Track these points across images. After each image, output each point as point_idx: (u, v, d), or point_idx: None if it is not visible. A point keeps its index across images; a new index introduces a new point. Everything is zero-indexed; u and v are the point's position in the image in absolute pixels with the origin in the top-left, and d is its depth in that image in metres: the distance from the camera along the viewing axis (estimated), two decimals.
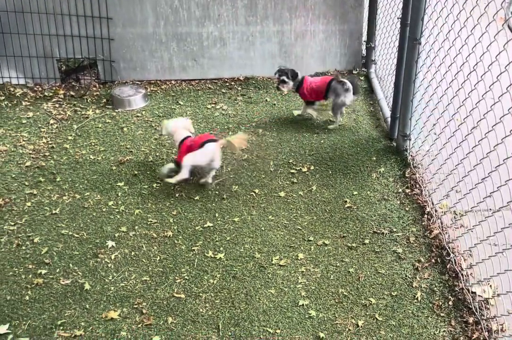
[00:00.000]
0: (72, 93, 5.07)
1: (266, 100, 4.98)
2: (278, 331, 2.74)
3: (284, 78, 4.46)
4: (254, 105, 4.91)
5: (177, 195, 3.73)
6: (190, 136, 3.84)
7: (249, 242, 3.32)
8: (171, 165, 3.87)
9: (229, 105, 4.90)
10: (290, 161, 4.09)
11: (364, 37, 5.42)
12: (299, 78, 4.51)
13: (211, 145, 3.65)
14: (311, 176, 3.92)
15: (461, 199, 3.22)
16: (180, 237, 3.35)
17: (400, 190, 3.73)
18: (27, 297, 2.94)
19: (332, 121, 4.59)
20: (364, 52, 5.47)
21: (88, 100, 4.96)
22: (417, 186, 3.72)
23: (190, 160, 3.68)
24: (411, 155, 3.99)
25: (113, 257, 3.21)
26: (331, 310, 2.86)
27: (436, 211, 3.46)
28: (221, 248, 3.27)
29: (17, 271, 3.11)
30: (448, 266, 3.07)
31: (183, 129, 3.89)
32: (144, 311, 2.85)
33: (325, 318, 2.81)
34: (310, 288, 2.99)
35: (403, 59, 3.99)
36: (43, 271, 3.10)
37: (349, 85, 4.37)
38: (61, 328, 2.76)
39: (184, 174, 3.71)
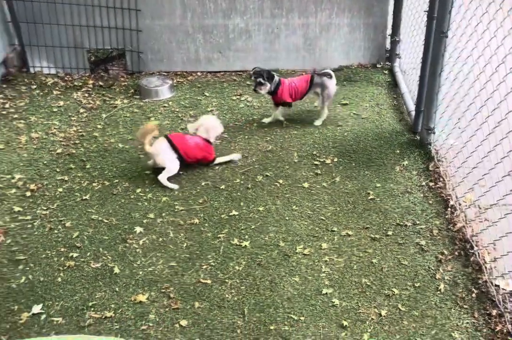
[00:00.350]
0: (101, 83, 5.11)
1: None
2: (302, 318, 2.75)
3: (261, 79, 4.24)
4: None
5: (203, 184, 3.75)
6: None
7: (274, 231, 3.33)
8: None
9: (254, 97, 4.89)
10: (314, 153, 4.08)
11: (389, 31, 5.35)
12: (276, 79, 4.32)
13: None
14: (335, 168, 3.91)
15: (486, 193, 3.18)
16: (206, 224, 3.38)
17: (424, 183, 3.69)
18: (59, 279, 2.99)
19: (315, 118, 4.52)
20: (388, 46, 5.41)
21: (116, 90, 5.00)
22: (441, 179, 3.68)
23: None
24: (435, 149, 3.95)
25: (141, 242, 3.25)
26: (354, 299, 2.86)
27: (460, 204, 3.43)
28: (246, 236, 3.28)
29: (49, 254, 3.16)
30: (471, 259, 3.04)
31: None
32: (171, 295, 2.89)
33: (348, 307, 2.81)
34: (334, 277, 2.99)
35: (429, 53, 3.94)
36: (75, 254, 3.15)
37: (329, 71, 4.40)
38: (92, 309, 2.81)
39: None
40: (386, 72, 5.22)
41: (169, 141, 3.76)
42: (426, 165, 3.85)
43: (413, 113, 4.33)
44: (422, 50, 4.10)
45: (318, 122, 4.46)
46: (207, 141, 3.87)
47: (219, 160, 3.93)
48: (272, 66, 5.33)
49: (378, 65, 5.33)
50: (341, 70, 5.27)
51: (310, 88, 4.38)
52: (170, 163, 3.74)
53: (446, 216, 3.38)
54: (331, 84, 4.38)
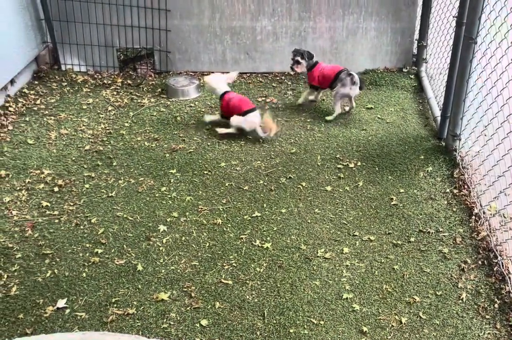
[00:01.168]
0: (129, 81, 5.13)
1: None
2: (322, 322, 2.72)
3: (299, 58, 4.46)
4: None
5: (227, 184, 3.73)
6: (229, 91, 4.33)
7: (295, 234, 3.30)
8: (214, 117, 4.44)
9: (279, 99, 4.85)
10: (337, 156, 4.03)
11: (416, 36, 5.26)
12: (313, 61, 4.54)
13: (252, 115, 4.21)
14: (358, 172, 3.85)
15: (511, 202, 3.10)
16: (229, 225, 3.36)
17: (448, 190, 3.61)
18: (84, 274, 3.01)
19: (331, 113, 4.60)
20: (415, 50, 5.31)
21: (144, 89, 5.01)
22: (466, 187, 3.59)
23: (236, 121, 4.22)
24: (460, 156, 3.86)
25: (164, 241, 3.24)
26: (375, 305, 2.80)
27: (484, 213, 3.34)
28: (268, 238, 3.25)
29: (75, 249, 3.18)
30: (495, 269, 2.96)
31: (223, 83, 4.34)
32: (192, 294, 2.87)
33: (369, 313, 2.76)
34: (355, 282, 2.95)
35: (457, 58, 3.86)
36: (99, 251, 3.16)
37: (357, 78, 4.38)
38: (115, 305, 2.81)
39: (232, 130, 4.28)
40: (412, 76, 5.12)
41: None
42: (451, 172, 3.77)
43: (438, 118, 4.24)
44: (450, 56, 4.02)
45: (330, 117, 4.51)
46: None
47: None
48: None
49: (405, 70, 5.24)
50: (366, 74, 5.19)
51: (334, 80, 4.46)
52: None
53: (470, 224, 3.30)
54: (351, 87, 4.39)
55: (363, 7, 5.11)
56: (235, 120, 4.21)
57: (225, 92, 4.33)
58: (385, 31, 5.20)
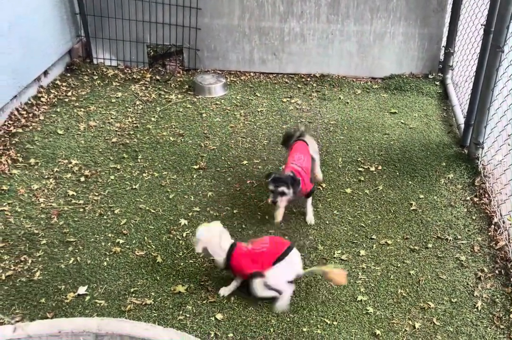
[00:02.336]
0: (158, 77, 5.16)
1: (340, 97, 4.87)
2: (335, 323, 2.69)
3: (284, 189, 3.09)
4: (328, 102, 4.81)
5: (248, 182, 3.73)
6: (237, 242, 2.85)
7: (313, 234, 3.27)
8: (231, 287, 2.88)
9: (304, 100, 4.82)
10: (358, 159, 3.99)
11: (443, 42, 5.17)
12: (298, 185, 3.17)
13: (295, 254, 2.82)
14: (378, 176, 3.81)
15: None
16: (248, 222, 3.35)
17: (468, 198, 3.55)
18: (105, 263, 3.03)
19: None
20: (442, 57, 5.22)
21: (172, 85, 5.03)
22: (486, 195, 3.52)
23: (279, 277, 2.74)
24: (482, 164, 3.79)
25: (184, 234, 3.25)
26: (389, 309, 2.77)
27: (504, 222, 3.27)
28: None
29: (98, 238, 3.22)
30: None
31: (221, 236, 2.82)
32: (209, 288, 2.88)
33: (382, 316, 2.73)
34: (370, 285, 2.91)
35: (483, 66, 3.79)
36: (121, 241, 3.19)
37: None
38: (133, 295, 2.83)
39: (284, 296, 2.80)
40: (437, 83, 5.04)
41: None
42: (472, 180, 3.70)
43: (462, 126, 4.17)
44: (476, 63, 3.94)
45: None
46: None
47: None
48: (324, 71, 5.25)
49: (430, 76, 5.15)
50: (392, 79, 5.13)
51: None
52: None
53: (489, 233, 3.23)
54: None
55: (392, 12, 5.04)
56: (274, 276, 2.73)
57: (233, 246, 2.81)
58: (412, 36, 5.13)
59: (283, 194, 3.11)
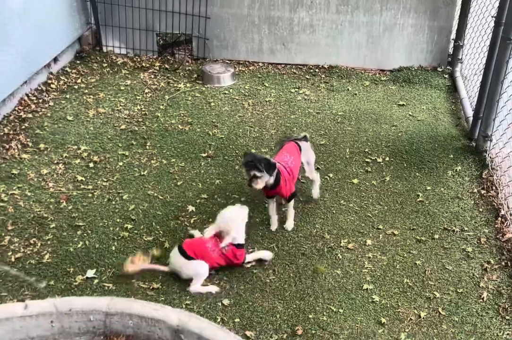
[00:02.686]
0: (166, 66, 5.13)
1: (348, 89, 4.83)
2: (340, 310, 2.69)
3: (255, 172, 2.93)
4: (336, 93, 4.77)
5: None
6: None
7: (320, 223, 3.26)
8: None
9: (312, 91, 4.79)
10: (366, 150, 3.96)
11: (453, 35, 5.11)
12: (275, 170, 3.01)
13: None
14: (386, 167, 3.78)
15: None
16: (256, 210, 3.34)
17: (475, 190, 3.52)
18: (113, 248, 3.03)
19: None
20: (451, 50, 5.17)
21: (181, 74, 5.00)
22: (493, 188, 3.49)
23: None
24: (490, 157, 3.75)
25: (192, 221, 3.24)
26: (395, 298, 2.76)
27: (511, 215, 3.24)
28: (293, 226, 3.22)
29: (106, 223, 3.21)
30: None
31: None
32: (217, 274, 2.87)
33: (388, 305, 2.72)
34: (376, 274, 2.90)
35: (493, 59, 3.75)
36: (129, 226, 3.19)
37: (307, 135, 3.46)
38: (141, 279, 2.83)
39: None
40: (446, 76, 4.99)
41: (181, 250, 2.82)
42: (480, 173, 3.67)
43: (470, 119, 4.13)
44: (486, 56, 3.90)
45: (316, 194, 3.41)
46: (237, 245, 2.87)
47: (248, 258, 2.94)
48: (333, 62, 5.20)
49: (439, 69, 5.10)
50: (401, 71, 5.08)
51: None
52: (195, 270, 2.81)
53: (496, 226, 3.21)
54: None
55: (401, 3, 4.97)
56: None
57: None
58: (422, 28, 5.07)
59: (256, 177, 2.95)
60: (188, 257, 2.78)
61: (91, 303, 2.09)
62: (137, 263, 2.80)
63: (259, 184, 2.98)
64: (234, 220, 2.85)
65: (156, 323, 2.11)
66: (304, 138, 3.39)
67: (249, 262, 2.94)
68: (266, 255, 2.97)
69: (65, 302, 2.09)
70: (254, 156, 3.06)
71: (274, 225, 3.20)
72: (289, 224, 3.21)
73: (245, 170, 3.04)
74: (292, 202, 3.19)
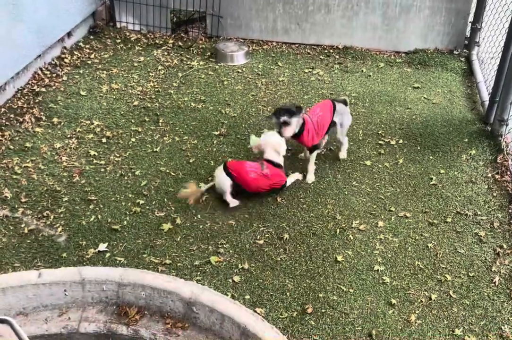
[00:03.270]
0: (180, 43, 5.00)
1: (362, 70, 4.70)
2: (351, 290, 2.64)
3: (285, 118, 3.09)
4: (350, 74, 4.64)
5: None
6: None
7: (332, 204, 3.19)
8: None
9: (325, 72, 4.66)
10: (379, 132, 3.86)
11: (471, 18, 4.93)
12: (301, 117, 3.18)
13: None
14: (399, 149, 3.69)
15: None
16: None
17: (490, 175, 3.42)
18: (125, 222, 2.98)
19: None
20: (468, 33, 5.00)
21: (194, 52, 4.88)
22: (508, 173, 3.40)
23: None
24: (505, 141, 3.64)
25: (204, 198, 3.18)
26: (405, 279, 2.70)
27: None
28: (304, 206, 3.16)
29: (118, 198, 3.16)
30: None
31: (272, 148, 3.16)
32: (227, 251, 2.82)
33: (399, 287, 2.66)
34: (387, 255, 2.84)
35: (511, 42, 3.60)
36: (141, 201, 3.13)
37: (347, 99, 3.60)
38: (152, 254, 2.79)
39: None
40: (462, 59, 4.84)
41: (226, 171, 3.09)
42: (494, 157, 3.56)
43: (486, 103, 4.01)
44: (504, 39, 3.75)
45: (343, 155, 3.54)
46: (275, 164, 3.15)
47: (288, 182, 3.24)
48: (347, 43, 5.05)
49: (455, 52, 4.94)
50: (416, 53, 4.93)
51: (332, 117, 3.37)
52: (219, 184, 3.12)
53: (509, 210, 3.13)
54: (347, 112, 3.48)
55: None
56: None
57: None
58: (439, 10, 4.89)
59: (285, 123, 3.10)
60: (227, 173, 3.05)
61: (104, 274, 2.05)
62: (193, 188, 3.06)
63: (288, 131, 3.15)
64: (268, 142, 3.14)
65: (169, 295, 2.07)
66: (343, 101, 3.48)
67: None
68: (299, 176, 3.31)
69: (79, 271, 2.05)
70: (281, 106, 3.32)
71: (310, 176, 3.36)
72: (310, 177, 3.32)
73: (275, 120, 3.17)
74: (314, 156, 3.31)
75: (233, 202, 3.12)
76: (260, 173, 3.09)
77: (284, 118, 3.09)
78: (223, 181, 3.08)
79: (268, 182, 3.12)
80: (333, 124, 3.39)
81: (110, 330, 1.99)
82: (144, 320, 2.07)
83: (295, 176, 3.32)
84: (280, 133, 3.16)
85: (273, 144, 3.16)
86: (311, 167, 3.33)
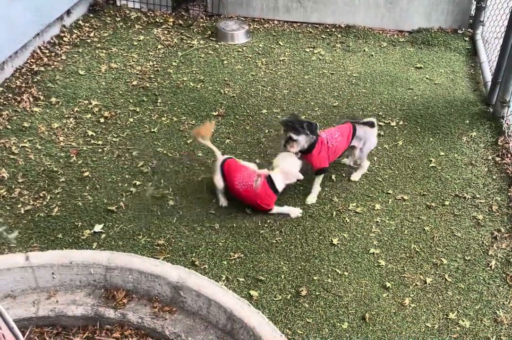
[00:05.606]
0: (180, 22, 4.81)
1: (364, 50, 4.50)
2: (346, 273, 2.55)
3: (292, 135, 2.77)
4: (352, 53, 4.45)
5: (266, 131, 3.50)
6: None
7: (329, 186, 3.08)
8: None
9: (327, 51, 4.47)
10: (379, 114, 3.71)
11: None
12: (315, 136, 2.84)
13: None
14: (399, 131, 3.54)
15: None
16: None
17: (490, 157, 3.29)
18: (121, 203, 2.90)
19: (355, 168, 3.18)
20: (473, 12, 4.76)
21: (194, 30, 4.69)
22: (509, 155, 3.26)
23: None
24: (507, 123, 3.49)
25: (200, 178, 3.08)
26: (401, 263, 2.61)
27: None
28: (301, 188, 3.05)
29: (115, 179, 3.06)
30: None
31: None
32: (222, 233, 2.73)
33: (394, 270, 2.58)
34: (383, 238, 2.74)
35: None
36: (138, 182, 3.03)
37: (374, 121, 3.08)
38: (147, 235, 2.71)
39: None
40: (466, 39, 4.62)
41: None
42: (495, 139, 3.42)
43: (489, 84, 3.83)
44: (508, 19, 3.54)
45: (356, 177, 3.13)
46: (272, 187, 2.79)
47: (276, 210, 2.86)
48: (350, 21, 4.83)
49: (459, 31, 4.72)
50: (420, 32, 4.71)
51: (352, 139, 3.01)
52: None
53: (509, 194, 3.01)
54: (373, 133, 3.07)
55: None
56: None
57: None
58: None
59: (292, 139, 2.78)
60: (221, 171, 2.82)
61: (91, 257, 1.97)
62: (208, 126, 2.89)
63: (294, 148, 2.83)
64: (281, 165, 2.84)
65: (156, 279, 1.99)
66: (370, 124, 3.02)
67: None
68: (296, 212, 2.88)
69: (66, 254, 1.97)
70: (296, 117, 2.96)
71: None
72: (310, 199, 2.96)
73: (282, 130, 2.87)
74: (320, 179, 2.97)
75: (222, 201, 2.89)
76: (248, 185, 2.76)
77: (290, 134, 2.76)
78: (218, 182, 2.83)
79: (254, 199, 2.78)
80: (350, 148, 3.05)
81: (97, 313, 1.93)
82: (132, 304, 2.00)
83: (291, 211, 2.87)
84: (286, 147, 2.84)
85: (284, 169, 2.81)
86: (316, 189, 2.98)
